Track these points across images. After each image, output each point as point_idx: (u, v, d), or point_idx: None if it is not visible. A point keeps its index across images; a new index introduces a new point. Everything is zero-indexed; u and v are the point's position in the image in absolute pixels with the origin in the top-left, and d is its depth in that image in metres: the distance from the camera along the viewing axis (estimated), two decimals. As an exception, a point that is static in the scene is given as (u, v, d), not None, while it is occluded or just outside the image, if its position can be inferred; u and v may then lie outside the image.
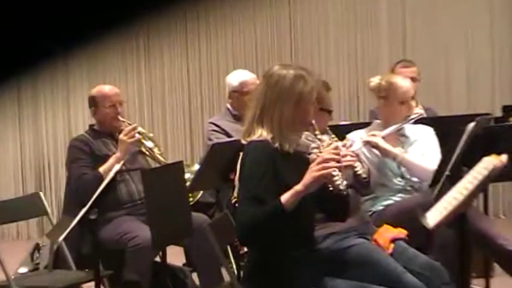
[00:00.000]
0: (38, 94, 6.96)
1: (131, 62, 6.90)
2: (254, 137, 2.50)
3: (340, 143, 2.88)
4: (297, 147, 2.57)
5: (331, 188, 2.41)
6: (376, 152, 3.59)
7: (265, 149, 2.45)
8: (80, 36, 6.35)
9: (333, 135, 3.03)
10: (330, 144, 2.60)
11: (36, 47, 6.31)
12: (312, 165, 2.36)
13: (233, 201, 3.42)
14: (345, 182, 2.42)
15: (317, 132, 2.58)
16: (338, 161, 2.36)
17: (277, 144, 2.48)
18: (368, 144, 3.53)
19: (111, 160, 3.79)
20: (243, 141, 2.53)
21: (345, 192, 2.39)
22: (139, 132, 3.95)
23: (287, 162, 2.48)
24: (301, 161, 2.56)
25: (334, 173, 2.37)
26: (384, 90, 3.65)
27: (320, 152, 2.50)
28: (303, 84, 2.49)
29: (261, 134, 2.49)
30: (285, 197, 2.34)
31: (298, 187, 2.34)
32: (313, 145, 2.87)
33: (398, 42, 6.47)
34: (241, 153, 2.50)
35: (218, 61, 6.78)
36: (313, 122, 2.56)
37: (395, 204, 3.53)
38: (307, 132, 2.72)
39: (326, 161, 2.34)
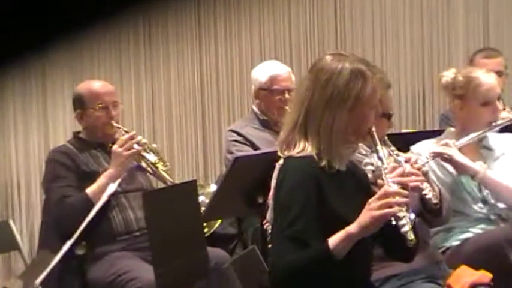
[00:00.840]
0: (5, 99, 7.02)
1: (127, 54, 6.92)
2: (294, 152, 2.49)
3: (402, 158, 2.89)
4: (348, 164, 2.56)
5: (394, 222, 2.37)
6: (450, 168, 3.58)
7: (308, 169, 2.44)
8: (59, 22, 6.41)
9: (393, 148, 3.04)
10: (395, 168, 2.56)
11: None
12: (371, 200, 2.34)
13: (265, 226, 3.44)
14: (412, 216, 2.38)
15: (378, 146, 2.55)
16: (406, 196, 2.33)
17: (324, 162, 2.46)
18: (439, 156, 3.52)
19: (102, 178, 3.82)
20: (280, 155, 2.53)
21: (412, 242, 2.34)
22: (138, 143, 3.98)
23: (337, 185, 2.47)
24: (356, 183, 2.57)
25: (400, 214, 2.33)
26: (461, 87, 3.65)
27: (379, 177, 2.47)
28: (363, 82, 2.48)
29: (304, 147, 2.49)
30: (334, 240, 2.34)
31: (352, 229, 2.33)
32: (367, 160, 2.87)
33: (479, 26, 6.44)
34: (274, 169, 2.51)
35: (240, 50, 6.77)
36: (373, 130, 2.55)
37: (475, 238, 3.52)
38: (359, 144, 2.72)
39: (390, 195, 2.33)
